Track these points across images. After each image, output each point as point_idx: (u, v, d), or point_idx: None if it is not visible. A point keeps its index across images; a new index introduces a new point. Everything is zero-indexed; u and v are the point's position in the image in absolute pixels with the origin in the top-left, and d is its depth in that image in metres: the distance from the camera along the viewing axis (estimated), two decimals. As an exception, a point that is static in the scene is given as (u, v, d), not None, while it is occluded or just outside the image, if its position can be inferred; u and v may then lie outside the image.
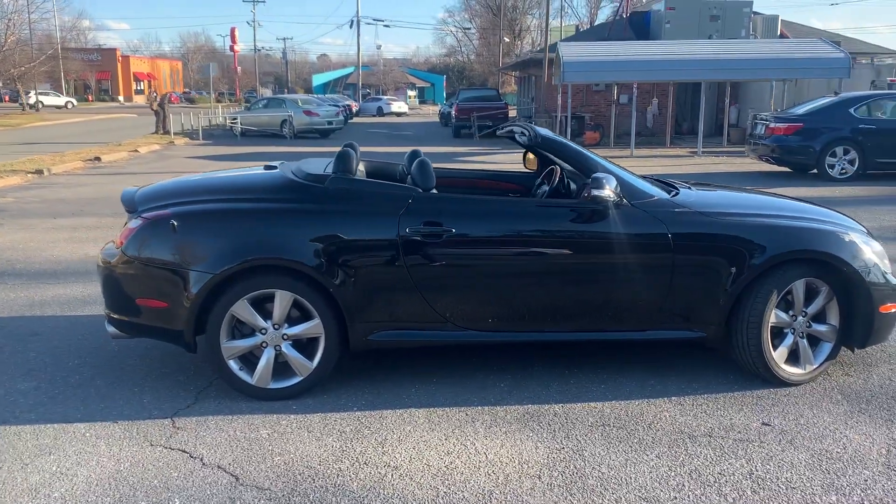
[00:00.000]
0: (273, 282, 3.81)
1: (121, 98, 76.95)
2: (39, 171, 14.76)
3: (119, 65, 78.60)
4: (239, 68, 71.33)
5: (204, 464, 3.26)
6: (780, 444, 3.42)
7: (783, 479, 3.11)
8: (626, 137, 21.35)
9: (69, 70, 61.81)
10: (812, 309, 4.07)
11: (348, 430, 3.58)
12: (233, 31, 67.46)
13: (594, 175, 3.89)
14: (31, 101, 50.70)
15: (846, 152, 13.05)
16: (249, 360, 3.92)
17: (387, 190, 4.02)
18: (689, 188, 4.57)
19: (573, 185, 4.73)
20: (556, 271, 3.96)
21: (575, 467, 3.22)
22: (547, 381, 4.15)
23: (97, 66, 74.85)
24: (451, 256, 3.89)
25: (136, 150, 20.17)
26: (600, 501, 2.96)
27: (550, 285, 3.96)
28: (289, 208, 3.90)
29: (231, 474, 3.17)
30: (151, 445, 3.44)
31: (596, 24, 46.09)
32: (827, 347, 4.13)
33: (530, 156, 5.31)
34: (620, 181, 3.99)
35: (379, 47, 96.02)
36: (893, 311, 4.10)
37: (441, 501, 2.97)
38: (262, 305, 3.86)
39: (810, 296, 4.07)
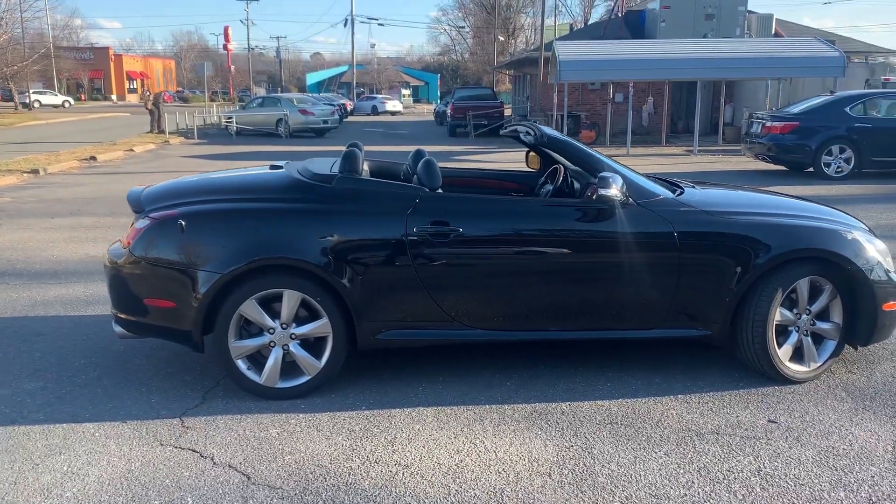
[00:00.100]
0: (281, 281, 3.82)
1: (114, 97, 76.76)
2: (35, 171, 14.72)
3: (112, 64, 78.39)
4: (232, 67, 71.10)
5: (215, 463, 3.27)
6: (786, 441, 3.45)
7: (791, 476, 3.14)
8: (622, 136, 21.40)
9: (62, 69, 61.53)
10: (816, 307, 4.10)
11: (357, 429, 3.59)
12: (226, 29, 67.02)
13: (601, 174, 3.91)
14: (29, 99, 50.50)
15: (842, 151, 13.12)
16: (257, 359, 3.93)
17: (394, 190, 4.03)
18: (694, 187, 4.59)
19: (577, 185, 4.75)
20: (563, 270, 3.98)
21: (585, 465, 3.24)
22: (553, 379, 4.17)
23: (90, 65, 74.59)
24: (458, 256, 3.91)
25: (132, 150, 20.12)
26: (611, 499, 2.98)
27: (557, 284, 3.98)
28: (296, 208, 3.91)
29: (242, 473, 3.18)
30: (161, 445, 3.44)
31: (590, 22, 46.18)
32: (831, 345, 4.16)
33: (532, 155, 5.32)
34: (626, 180, 4.01)
35: (373, 46, 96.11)
36: (896, 308, 4.13)
37: (453, 499, 2.99)
38: (270, 305, 3.87)
39: (814, 294, 4.10)
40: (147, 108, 27.27)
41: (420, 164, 4.15)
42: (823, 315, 4.14)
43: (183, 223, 3.83)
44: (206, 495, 3.02)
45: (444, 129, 30.05)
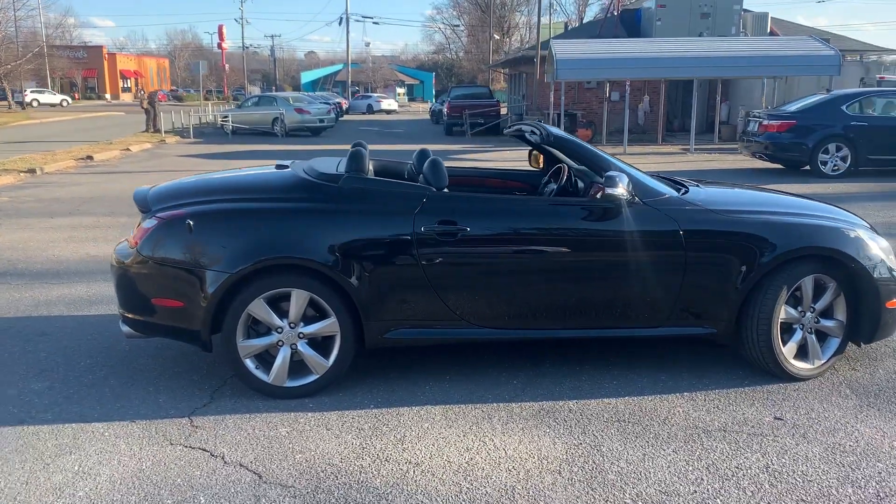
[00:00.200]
0: (289, 281, 3.83)
1: (107, 96, 76.49)
2: (32, 171, 14.68)
3: (105, 62, 78.11)
4: (227, 66, 70.95)
5: (225, 462, 3.28)
6: (793, 437, 3.48)
7: (799, 473, 3.16)
8: (618, 135, 21.45)
9: (55, 68, 61.40)
10: (820, 305, 4.13)
11: (366, 428, 3.61)
12: (221, 28, 66.95)
13: (608, 174, 3.93)
14: (28, 99, 50.35)
15: (838, 149, 13.17)
16: (265, 358, 3.94)
17: (401, 189, 4.04)
18: (698, 186, 4.62)
19: (580, 184, 4.77)
20: (570, 269, 3.99)
21: (594, 462, 3.26)
22: (559, 377, 4.19)
23: (83, 64, 74.31)
24: (465, 255, 3.93)
25: (128, 149, 20.08)
26: (621, 496, 3.00)
27: (564, 283, 4.00)
28: (304, 208, 3.92)
29: (254, 472, 3.19)
30: (171, 444, 3.45)
31: (585, 21, 46.21)
32: (834, 343, 4.19)
33: (535, 154, 5.34)
34: (632, 179, 4.03)
35: (367, 44, 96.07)
36: (899, 306, 4.16)
37: (464, 497, 3.00)
38: (278, 304, 3.88)
39: (818, 292, 4.13)
40: (142, 107, 27.20)
41: (426, 164, 4.16)
42: (827, 313, 4.17)
43: (191, 223, 3.84)
44: (219, 494, 3.03)
45: (441, 128, 30.04)
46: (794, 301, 4.11)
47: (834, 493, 3.01)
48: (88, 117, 41.82)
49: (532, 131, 4.59)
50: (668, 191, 4.19)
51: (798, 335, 4.12)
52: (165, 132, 25.56)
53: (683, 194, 4.24)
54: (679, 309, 4.06)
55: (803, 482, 3.09)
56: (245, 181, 4.44)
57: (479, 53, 66.83)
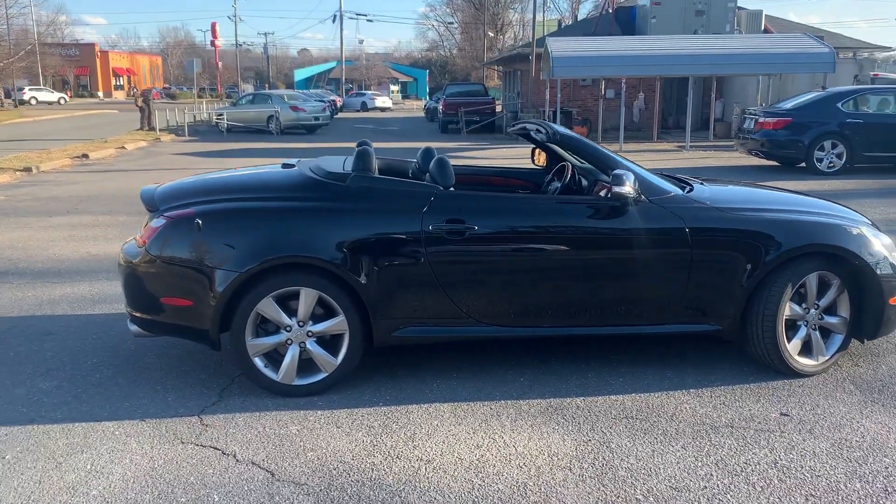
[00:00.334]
0: (298, 279, 3.84)
1: (100, 94, 76.15)
2: (28, 169, 14.62)
3: (98, 60, 77.80)
4: (220, 63, 70.69)
5: (238, 460, 3.30)
6: (800, 433, 3.51)
7: (807, 468, 3.20)
8: (613, 132, 21.51)
9: (47, 66, 61.01)
10: (824, 302, 4.17)
11: (376, 425, 3.62)
12: (213, 25, 66.66)
13: (614, 172, 3.95)
14: (27, 96, 50.09)
15: (834, 146, 13.25)
16: (274, 357, 3.95)
17: (408, 188, 4.06)
18: (702, 184, 4.65)
19: (584, 182, 4.80)
20: (577, 267, 4.02)
21: (604, 459, 3.29)
22: (566, 374, 4.22)
23: (75, 62, 73.93)
24: (473, 253, 3.95)
25: (123, 147, 20.01)
26: (633, 492, 3.03)
27: (570, 281, 4.02)
28: (312, 206, 3.93)
29: (266, 470, 3.21)
30: (182, 443, 3.46)
31: (579, 18, 46.24)
32: (838, 339, 4.23)
33: (539, 152, 5.36)
34: (638, 178, 4.06)
35: (361, 42, 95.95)
36: (902, 303, 4.20)
37: (477, 493, 3.02)
38: (287, 303, 3.89)
39: (822, 289, 4.17)
40: (137, 105, 27.10)
41: (433, 163, 4.18)
42: (831, 309, 4.21)
43: (200, 222, 3.84)
44: (232, 492, 3.04)
45: (436, 126, 30.09)
46: (799, 298, 4.15)
47: (842, 488, 3.04)
48: (82, 115, 41.64)
49: (538, 129, 4.61)
50: (673, 189, 4.21)
51: (802, 332, 4.16)
52: (160, 130, 25.49)
53: (688, 192, 4.27)
54: (685, 306, 4.09)
55: (812, 477, 3.12)
56: (252, 180, 4.44)
57: (472, 51, 66.85)
